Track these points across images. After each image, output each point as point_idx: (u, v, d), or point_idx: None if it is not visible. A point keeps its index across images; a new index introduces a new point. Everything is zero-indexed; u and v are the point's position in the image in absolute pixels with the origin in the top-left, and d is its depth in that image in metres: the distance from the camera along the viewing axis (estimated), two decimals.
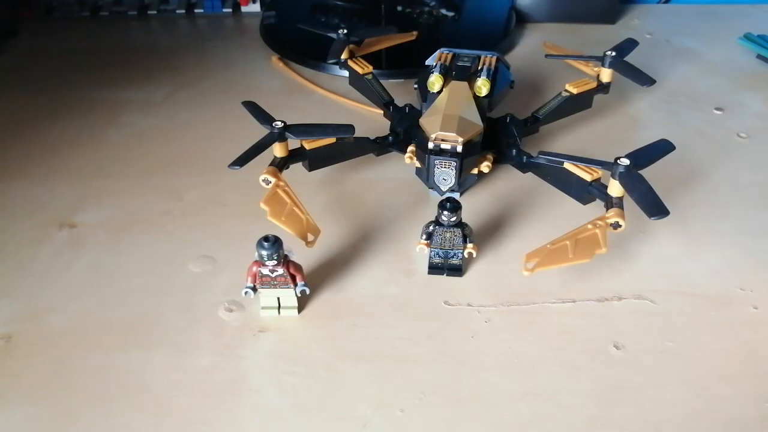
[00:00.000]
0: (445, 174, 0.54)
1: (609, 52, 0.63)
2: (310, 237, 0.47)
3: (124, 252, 0.54)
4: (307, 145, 0.55)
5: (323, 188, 0.60)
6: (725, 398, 0.42)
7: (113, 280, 0.51)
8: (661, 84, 0.73)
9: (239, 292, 0.46)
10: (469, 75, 0.58)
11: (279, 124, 0.52)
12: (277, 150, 0.53)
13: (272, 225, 0.46)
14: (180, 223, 0.56)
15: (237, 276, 0.49)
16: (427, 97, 0.58)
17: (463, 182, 0.56)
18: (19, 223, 0.56)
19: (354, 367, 0.44)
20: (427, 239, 0.50)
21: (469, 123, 0.54)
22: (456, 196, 0.55)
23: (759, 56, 0.80)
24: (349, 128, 0.53)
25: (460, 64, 0.60)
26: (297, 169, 0.55)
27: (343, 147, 0.57)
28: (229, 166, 0.50)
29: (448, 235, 0.49)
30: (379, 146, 0.60)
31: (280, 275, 0.46)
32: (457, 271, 0.51)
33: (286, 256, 0.45)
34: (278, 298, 0.47)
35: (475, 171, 0.56)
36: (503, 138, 0.59)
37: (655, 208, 0.45)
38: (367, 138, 0.59)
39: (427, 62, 0.62)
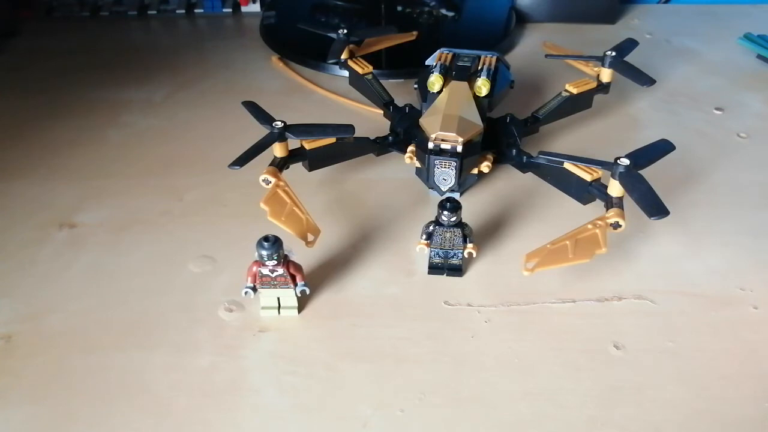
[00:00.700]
0: (445, 174, 0.54)
1: (609, 52, 0.63)
2: (310, 237, 0.47)
3: (124, 252, 0.54)
4: (307, 145, 0.55)
5: (323, 188, 0.60)
6: (725, 398, 0.42)
7: (113, 280, 0.51)
8: (661, 84, 0.73)
9: (239, 292, 0.46)
10: (469, 75, 0.58)
11: (279, 124, 0.52)
12: (277, 150, 0.53)
13: (272, 225, 0.46)
14: (180, 223, 0.56)
15: (237, 276, 0.49)
16: (427, 97, 0.58)
17: (463, 182, 0.56)
18: (19, 223, 0.56)
19: (354, 367, 0.44)
20: (427, 239, 0.50)
21: (469, 123, 0.54)
22: (456, 196, 0.55)
23: (759, 56, 0.80)
24: (349, 128, 0.53)
25: (460, 64, 0.60)
26: (297, 169, 0.55)
27: (343, 147, 0.57)
28: (229, 166, 0.50)
29: (448, 235, 0.49)
30: (379, 146, 0.60)
31: (280, 275, 0.46)
32: (457, 271, 0.51)
33: (286, 256, 0.45)
34: (278, 298, 0.47)
35: (475, 171, 0.56)
36: (503, 138, 0.59)
37: (655, 208, 0.45)
38: (367, 138, 0.59)
39: (427, 62, 0.62)
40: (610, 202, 0.48)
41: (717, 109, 0.71)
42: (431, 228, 0.49)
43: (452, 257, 0.50)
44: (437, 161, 0.53)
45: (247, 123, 0.54)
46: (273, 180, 0.50)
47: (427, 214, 0.51)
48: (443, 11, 0.87)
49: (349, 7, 0.88)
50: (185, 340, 0.46)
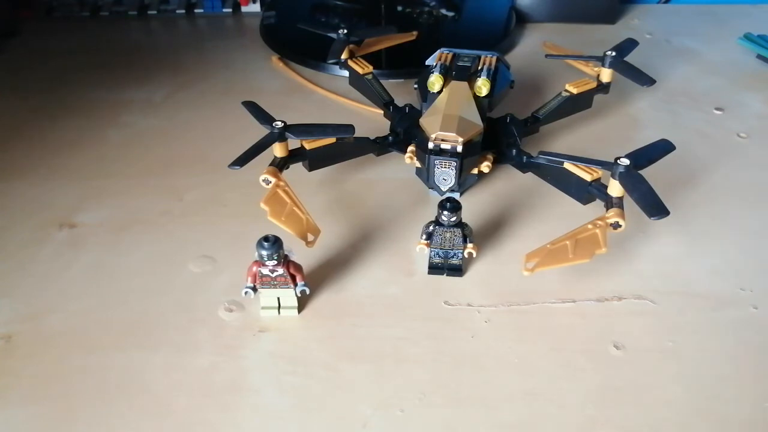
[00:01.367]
0: (445, 174, 0.54)
1: (609, 52, 0.63)
2: (310, 237, 0.47)
3: (124, 252, 0.54)
4: (307, 145, 0.55)
5: (323, 188, 0.60)
6: (725, 398, 0.42)
7: (113, 280, 0.51)
8: (661, 84, 0.73)
9: (239, 292, 0.46)
10: (469, 75, 0.58)
11: (279, 124, 0.52)
12: (277, 150, 0.53)
13: (272, 225, 0.46)
14: (180, 223, 0.56)
15: (237, 276, 0.49)
16: (427, 97, 0.58)
17: (463, 182, 0.56)
18: (19, 223, 0.56)
19: (354, 367, 0.44)
20: (427, 239, 0.50)
21: (469, 123, 0.54)
22: (456, 196, 0.55)
23: (759, 56, 0.80)
24: (349, 128, 0.53)
25: (460, 64, 0.60)
26: (297, 169, 0.55)
27: (343, 147, 0.57)
28: (229, 166, 0.50)
29: (448, 235, 0.49)
30: (379, 146, 0.60)
31: (280, 275, 0.46)
32: (457, 271, 0.51)
33: (286, 256, 0.45)
34: (278, 298, 0.47)
35: (475, 171, 0.56)
36: (503, 138, 0.59)
37: (655, 208, 0.45)
38: (367, 138, 0.59)
39: (427, 62, 0.62)
40: (610, 202, 0.48)
41: (717, 109, 0.71)
42: (431, 228, 0.49)
43: (452, 257, 0.50)
44: (437, 161, 0.53)
45: (247, 123, 0.54)
46: (273, 180, 0.50)
47: (427, 214, 0.51)
48: (443, 11, 0.87)
49: (349, 7, 0.88)
50: (185, 340, 0.46)
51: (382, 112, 0.65)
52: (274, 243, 0.44)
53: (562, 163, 0.51)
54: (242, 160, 0.50)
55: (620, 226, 0.46)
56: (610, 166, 0.48)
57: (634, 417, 0.41)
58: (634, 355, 0.45)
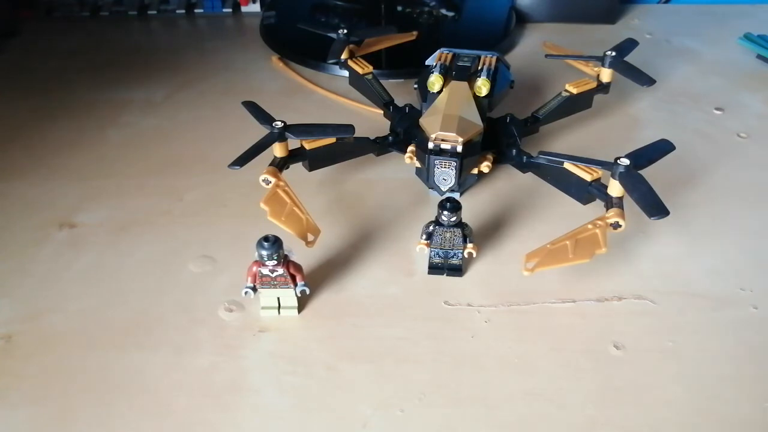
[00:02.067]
0: (445, 174, 0.54)
1: (609, 52, 0.63)
2: (310, 237, 0.47)
3: (124, 252, 0.54)
4: (307, 145, 0.55)
5: (323, 188, 0.60)
6: (725, 398, 0.42)
7: (113, 280, 0.51)
8: (661, 84, 0.73)
9: (239, 292, 0.46)
10: (469, 75, 0.58)
11: (279, 124, 0.52)
12: (277, 150, 0.53)
13: (272, 225, 0.46)
14: (180, 223, 0.56)
15: (237, 276, 0.49)
16: (427, 97, 0.58)
17: (463, 182, 0.56)
18: (19, 224, 0.56)
19: (354, 367, 0.44)
20: (427, 239, 0.50)
21: (469, 123, 0.54)
22: (456, 196, 0.55)
23: (759, 56, 0.80)
24: (349, 128, 0.53)
25: (460, 64, 0.60)
26: (297, 169, 0.55)
27: (343, 147, 0.57)
28: (229, 166, 0.50)
29: (448, 235, 0.49)
30: (379, 146, 0.60)
31: (280, 275, 0.46)
32: (457, 271, 0.51)
33: (286, 256, 0.45)
34: (278, 298, 0.47)
35: (475, 171, 0.56)
36: (503, 138, 0.59)
37: (655, 208, 0.45)
38: (367, 138, 0.59)
39: (427, 62, 0.62)
40: (610, 202, 0.48)
41: (717, 109, 0.71)
42: (431, 228, 0.49)
43: (452, 257, 0.50)
44: (437, 161, 0.53)
45: (247, 123, 0.54)
46: (273, 180, 0.50)
47: (427, 214, 0.51)
48: (443, 11, 0.87)
49: (349, 7, 0.88)
50: (185, 340, 0.46)
51: (382, 112, 0.65)
52: (274, 243, 0.44)
53: (562, 163, 0.51)
54: (242, 160, 0.50)
55: (620, 226, 0.46)
56: (610, 166, 0.48)
57: (634, 417, 0.41)
58: (634, 355, 0.45)
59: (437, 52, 0.62)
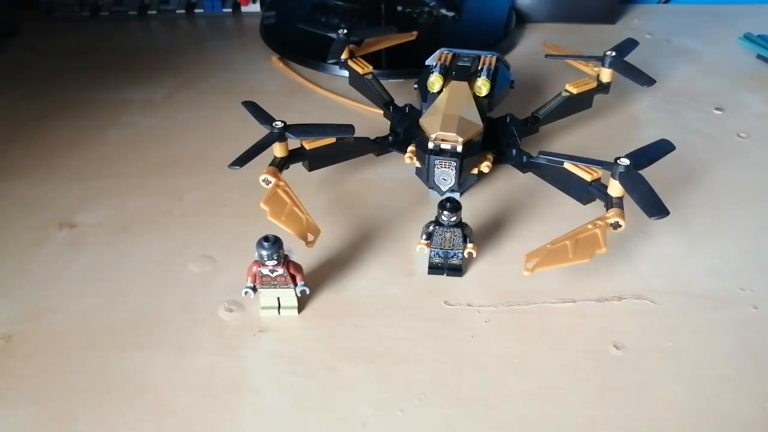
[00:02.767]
0: (445, 174, 0.54)
1: (609, 52, 0.63)
2: (310, 237, 0.47)
3: (124, 252, 0.54)
4: (307, 145, 0.55)
5: (323, 188, 0.60)
6: (725, 398, 0.42)
7: (113, 280, 0.51)
8: (661, 84, 0.73)
9: (239, 292, 0.46)
10: (469, 75, 0.58)
11: (279, 124, 0.52)
12: (277, 150, 0.53)
13: (272, 225, 0.46)
14: (180, 223, 0.56)
15: (237, 276, 0.49)
16: (427, 97, 0.58)
17: (463, 182, 0.56)
18: (19, 224, 0.56)
19: (354, 367, 0.44)
20: (427, 239, 0.50)
21: (469, 123, 0.54)
22: (456, 196, 0.55)
23: (759, 56, 0.80)
24: (349, 128, 0.53)
25: (460, 64, 0.60)
26: (297, 169, 0.55)
27: (343, 147, 0.57)
28: (229, 166, 0.50)
29: (448, 235, 0.49)
30: (379, 146, 0.60)
31: (280, 275, 0.46)
32: (457, 271, 0.51)
33: (286, 256, 0.45)
34: (278, 298, 0.47)
35: (475, 171, 0.56)
36: (503, 138, 0.59)
37: (655, 208, 0.45)
38: (367, 138, 0.59)
39: (427, 62, 0.62)
40: (610, 202, 0.48)
41: (717, 109, 0.71)
42: (431, 228, 0.49)
43: (452, 257, 0.50)
44: (437, 161, 0.53)
45: (247, 123, 0.54)
46: (273, 180, 0.50)
47: (427, 214, 0.51)
48: (443, 11, 0.87)
49: (349, 7, 0.88)
50: (185, 340, 0.46)
51: (382, 112, 0.65)
52: (274, 243, 0.44)
53: (562, 163, 0.51)
54: (242, 160, 0.50)
55: (620, 226, 0.46)
56: (610, 166, 0.48)
57: (634, 417, 0.41)
58: (634, 355, 0.45)
59: (437, 52, 0.62)
